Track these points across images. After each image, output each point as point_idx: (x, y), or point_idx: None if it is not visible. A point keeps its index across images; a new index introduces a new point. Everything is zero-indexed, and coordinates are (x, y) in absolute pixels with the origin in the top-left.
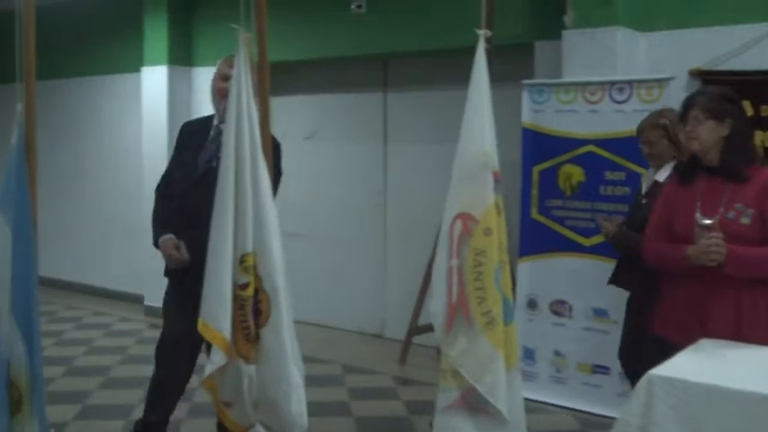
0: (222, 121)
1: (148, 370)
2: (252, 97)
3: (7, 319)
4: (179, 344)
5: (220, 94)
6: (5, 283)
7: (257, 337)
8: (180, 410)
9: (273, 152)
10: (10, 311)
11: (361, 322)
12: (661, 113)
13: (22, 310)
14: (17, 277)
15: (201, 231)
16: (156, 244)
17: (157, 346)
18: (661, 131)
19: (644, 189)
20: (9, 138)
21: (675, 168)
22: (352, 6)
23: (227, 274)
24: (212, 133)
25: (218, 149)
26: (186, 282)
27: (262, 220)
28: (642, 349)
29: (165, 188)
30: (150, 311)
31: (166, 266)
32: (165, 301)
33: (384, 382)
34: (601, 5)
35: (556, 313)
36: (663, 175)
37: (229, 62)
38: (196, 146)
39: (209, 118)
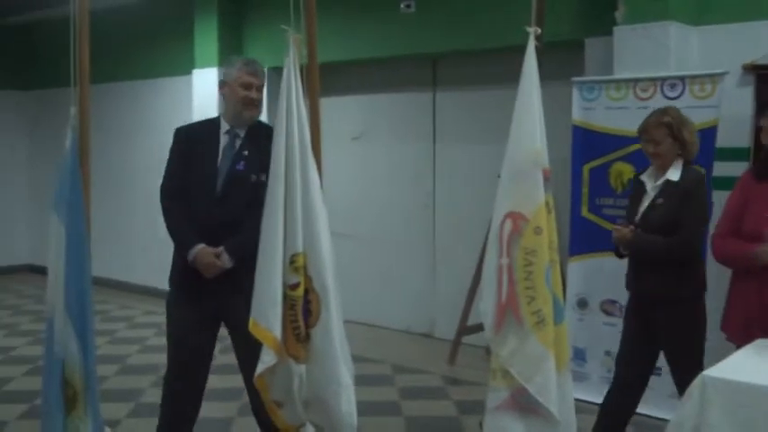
0: (236, 126)
1: None
2: (302, 98)
3: (62, 318)
4: (193, 371)
5: (244, 102)
6: (60, 282)
7: (307, 337)
8: (230, 409)
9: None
10: (64, 311)
11: (411, 322)
12: (665, 111)
13: (76, 310)
14: (71, 277)
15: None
16: (183, 254)
17: (167, 378)
18: (666, 130)
19: (650, 189)
20: (63, 140)
21: (754, 162)
22: (402, 6)
23: (277, 274)
24: (227, 139)
25: (238, 156)
26: (203, 298)
27: (312, 220)
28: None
29: (178, 197)
30: None
31: (176, 278)
32: (176, 320)
33: (434, 382)
34: (653, 0)
35: (606, 313)
36: (675, 173)
37: (250, 70)
38: (203, 153)
39: (211, 123)
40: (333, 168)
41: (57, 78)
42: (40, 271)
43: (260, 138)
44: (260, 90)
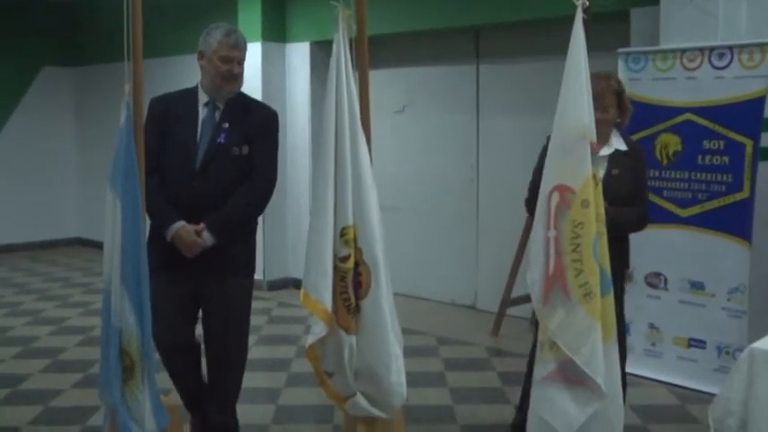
0: (216, 100)
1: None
2: (351, 73)
3: (119, 290)
4: (181, 350)
5: (224, 77)
6: (116, 255)
7: (357, 309)
8: (277, 380)
9: (271, 122)
10: (120, 283)
11: (455, 294)
12: (610, 76)
13: (132, 282)
14: (127, 250)
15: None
16: (162, 233)
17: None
18: (614, 97)
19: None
20: (112, 114)
21: None
22: None
23: (328, 246)
24: (206, 111)
25: (218, 128)
26: (183, 278)
27: (362, 192)
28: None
29: (153, 172)
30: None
31: (156, 262)
32: (160, 300)
33: (478, 354)
34: None
35: (651, 285)
36: (621, 143)
37: (231, 43)
38: (181, 125)
39: (189, 93)
40: (376, 141)
41: (99, 54)
42: (89, 244)
43: (241, 110)
44: (241, 63)
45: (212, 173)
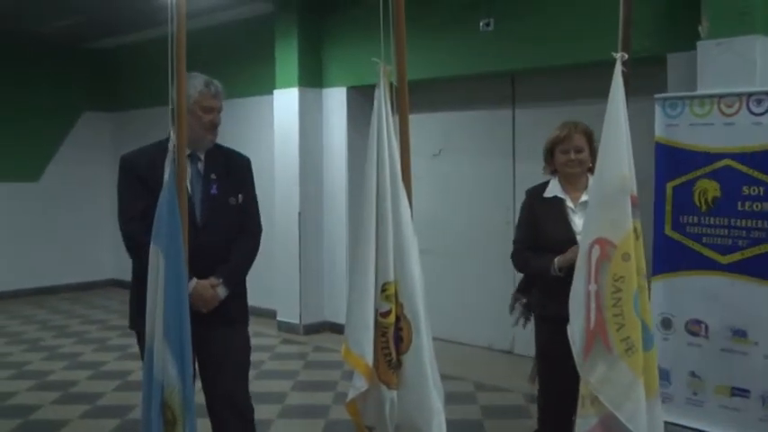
0: (197, 151)
1: (281, 386)
2: (392, 129)
3: (161, 344)
4: None
5: (206, 128)
6: (159, 310)
7: (399, 364)
8: (315, 428)
9: (249, 168)
10: (163, 337)
11: (492, 339)
12: (577, 122)
13: (174, 336)
14: (169, 303)
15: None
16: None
17: None
18: (586, 138)
19: (574, 206)
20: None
21: None
22: (481, 24)
23: (369, 301)
24: (194, 166)
25: (206, 180)
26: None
27: (403, 246)
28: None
29: (143, 220)
30: (283, 326)
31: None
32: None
33: (516, 400)
34: (738, 14)
35: (691, 333)
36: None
37: (212, 93)
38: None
39: (160, 149)
40: (413, 185)
41: (138, 99)
42: (125, 285)
43: (221, 160)
44: (220, 112)
45: (215, 225)
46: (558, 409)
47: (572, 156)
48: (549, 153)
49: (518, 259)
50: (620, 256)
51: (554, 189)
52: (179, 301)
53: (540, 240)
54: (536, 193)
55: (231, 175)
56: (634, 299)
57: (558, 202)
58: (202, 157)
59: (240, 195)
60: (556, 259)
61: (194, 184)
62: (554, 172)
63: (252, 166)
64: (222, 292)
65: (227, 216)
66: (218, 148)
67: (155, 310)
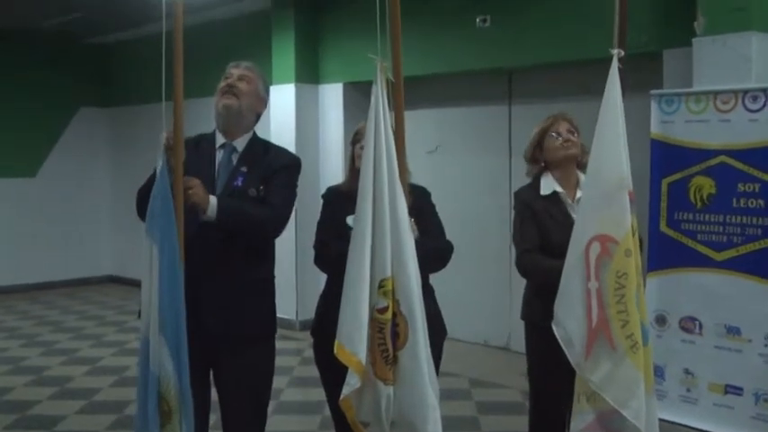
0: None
1: (277, 381)
2: (389, 125)
3: (156, 338)
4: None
5: (221, 92)
6: (154, 303)
7: (395, 360)
8: (310, 424)
9: (291, 167)
10: (159, 331)
11: (488, 335)
12: (559, 112)
13: (170, 330)
14: (165, 298)
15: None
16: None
17: None
18: (573, 126)
19: (572, 202)
20: (146, 156)
21: None
22: (477, 21)
23: (364, 297)
24: (222, 154)
25: (235, 172)
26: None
27: (400, 243)
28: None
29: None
30: (279, 322)
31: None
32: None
33: (511, 397)
34: (733, 10)
35: (685, 330)
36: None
37: (233, 65)
38: (197, 171)
39: (204, 138)
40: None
41: (135, 95)
42: (122, 282)
43: (260, 152)
44: (242, 78)
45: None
46: (551, 410)
47: (565, 135)
48: (538, 146)
49: (529, 263)
50: (623, 252)
51: (550, 185)
52: (174, 295)
53: (543, 242)
54: (531, 191)
55: (264, 166)
56: (635, 295)
57: (557, 199)
58: (240, 148)
59: (262, 187)
60: None
61: (221, 173)
62: (543, 169)
63: (296, 168)
64: (213, 203)
65: None
66: (266, 144)
67: (149, 303)
